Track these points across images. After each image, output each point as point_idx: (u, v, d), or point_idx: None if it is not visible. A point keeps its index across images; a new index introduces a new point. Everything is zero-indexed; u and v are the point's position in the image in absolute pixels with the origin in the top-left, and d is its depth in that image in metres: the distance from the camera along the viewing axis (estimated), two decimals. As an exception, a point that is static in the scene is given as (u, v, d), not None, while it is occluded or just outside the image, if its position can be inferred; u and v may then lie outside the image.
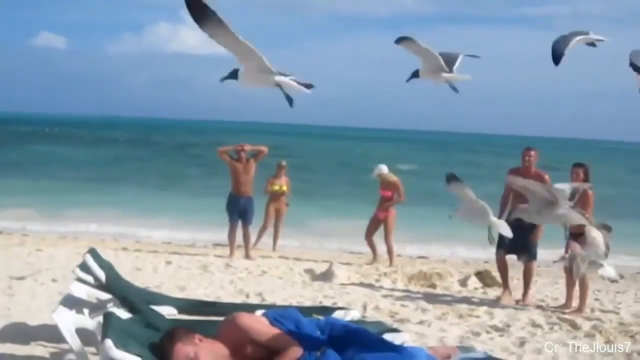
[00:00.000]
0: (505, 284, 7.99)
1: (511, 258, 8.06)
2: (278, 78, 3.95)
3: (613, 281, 6.81)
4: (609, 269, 6.42)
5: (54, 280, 7.63)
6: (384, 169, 10.59)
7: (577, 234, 6.88)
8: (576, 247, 6.55)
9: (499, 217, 7.67)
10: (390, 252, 10.55)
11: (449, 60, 4.74)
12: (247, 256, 10.40)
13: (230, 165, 10.53)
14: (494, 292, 8.18)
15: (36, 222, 14.28)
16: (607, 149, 79.09)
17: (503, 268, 7.98)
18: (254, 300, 7.22)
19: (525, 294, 7.86)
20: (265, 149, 10.72)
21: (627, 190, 27.26)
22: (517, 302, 7.73)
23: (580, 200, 6.96)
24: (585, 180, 7.46)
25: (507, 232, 6.59)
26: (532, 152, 7.84)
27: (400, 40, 4.40)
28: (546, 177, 7.68)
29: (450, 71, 4.70)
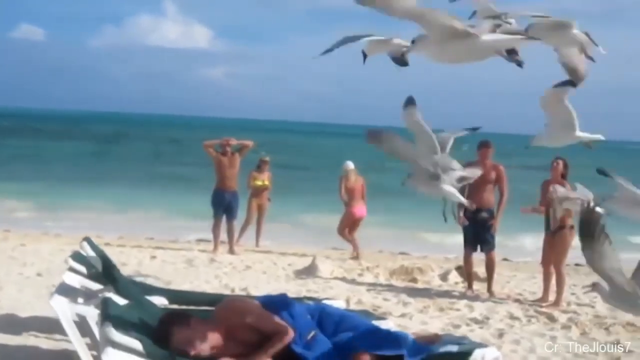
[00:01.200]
0: (469, 281, 8.22)
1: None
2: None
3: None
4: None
5: (39, 275, 7.71)
6: (351, 165, 10.88)
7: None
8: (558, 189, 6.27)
9: (458, 211, 7.87)
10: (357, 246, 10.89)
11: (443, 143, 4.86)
12: (231, 251, 10.48)
13: (215, 159, 10.60)
14: (474, 287, 8.37)
15: (19, 218, 14.23)
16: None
17: (468, 265, 8.21)
18: (239, 294, 7.33)
19: (489, 285, 8.09)
20: (250, 143, 10.81)
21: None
22: (490, 295, 7.94)
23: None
24: (565, 173, 7.75)
25: (461, 200, 5.87)
26: (489, 149, 8.06)
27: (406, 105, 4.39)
28: (501, 168, 8.10)
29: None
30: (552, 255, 7.73)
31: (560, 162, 7.81)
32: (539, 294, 8.04)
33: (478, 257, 8.30)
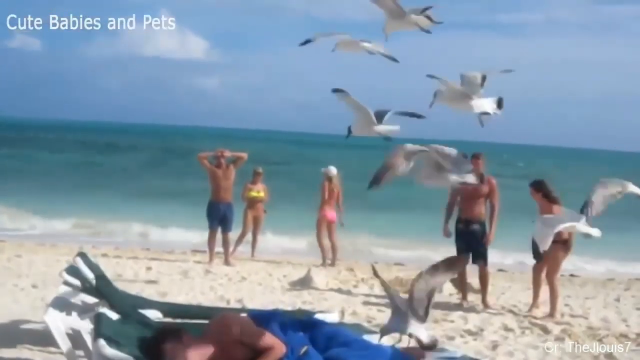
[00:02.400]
0: (463, 292, 8.24)
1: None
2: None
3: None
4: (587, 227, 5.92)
5: (34, 286, 7.71)
6: (334, 170, 11.15)
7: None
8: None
9: (445, 222, 8.04)
10: (335, 250, 11.22)
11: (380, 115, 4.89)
12: (226, 262, 10.50)
13: (209, 171, 10.63)
14: (468, 298, 8.40)
15: (13, 228, 14.22)
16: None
17: (462, 277, 8.23)
18: (234, 306, 7.34)
19: (484, 297, 8.09)
20: (244, 155, 10.84)
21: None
22: (485, 306, 7.96)
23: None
24: (547, 192, 7.76)
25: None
26: (480, 160, 8.09)
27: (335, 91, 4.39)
28: (493, 181, 8.12)
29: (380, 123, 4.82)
30: (543, 265, 7.76)
31: (533, 189, 7.81)
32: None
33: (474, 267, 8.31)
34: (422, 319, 3.91)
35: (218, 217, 10.53)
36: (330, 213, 11.15)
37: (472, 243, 8.00)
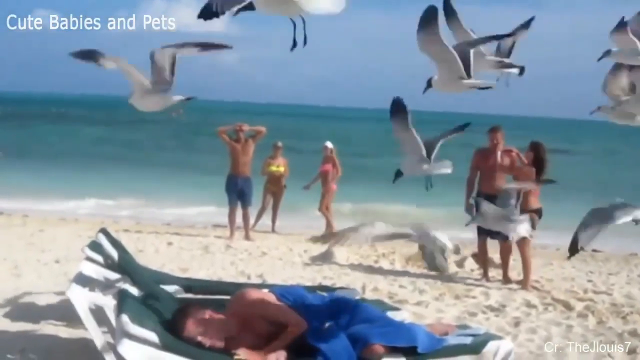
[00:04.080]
0: (484, 268, 8.18)
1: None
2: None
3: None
4: (520, 227, 5.94)
5: (57, 262, 7.77)
6: (330, 144, 11.92)
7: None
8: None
9: (466, 198, 7.96)
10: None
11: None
12: (246, 237, 10.53)
13: (229, 146, 10.64)
14: (490, 274, 8.35)
15: (36, 203, 14.36)
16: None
17: (483, 254, 8.17)
18: (255, 281, 7.36)
19: (505, 273, 8.04)
20: (263, 129, 10.81)
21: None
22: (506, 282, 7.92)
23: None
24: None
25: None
26: (499, 134, 7.99)
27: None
28: (514, 152, 7.93)
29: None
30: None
31: (530, 148, 7.83)
32: (557, 281, 8.03)
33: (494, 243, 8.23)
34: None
35: (236, 191, 10.55)
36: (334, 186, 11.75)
37: None
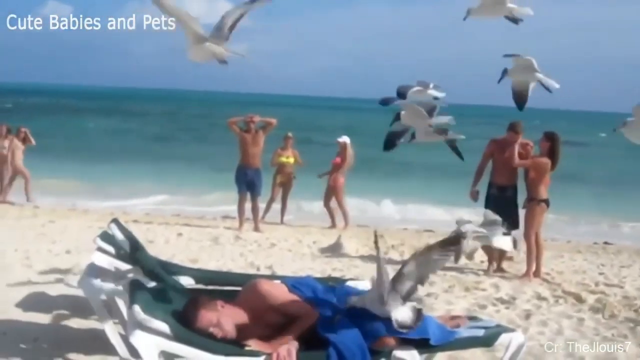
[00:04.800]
0: (490, 259, 8.15)
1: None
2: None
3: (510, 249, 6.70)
4: (502, 240, 6.22)
5: (67, 252, 7.80)
6: (341, 139, 11.71)
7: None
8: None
9: (473, 185, 7.97)
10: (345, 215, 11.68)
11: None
12: (256, 228, 10.54)
13: (239, 137, 10.63)
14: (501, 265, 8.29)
15: (47, 193, 14.40)
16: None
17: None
18: (264, 273, 7.36)
19: (499, 264, 8.08)
20: (274, 121, 10.79)
21: None
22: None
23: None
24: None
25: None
26: (519, 127, 7.98)
27: None
28: (529, 145, 7.93)
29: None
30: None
31: (545, 137, 7.79)
32: (567, 274, 7.99)
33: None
34: (394, 306, 3.47)
35: (245, 182, 10.55)
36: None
37: (504, 209, 7.82)
